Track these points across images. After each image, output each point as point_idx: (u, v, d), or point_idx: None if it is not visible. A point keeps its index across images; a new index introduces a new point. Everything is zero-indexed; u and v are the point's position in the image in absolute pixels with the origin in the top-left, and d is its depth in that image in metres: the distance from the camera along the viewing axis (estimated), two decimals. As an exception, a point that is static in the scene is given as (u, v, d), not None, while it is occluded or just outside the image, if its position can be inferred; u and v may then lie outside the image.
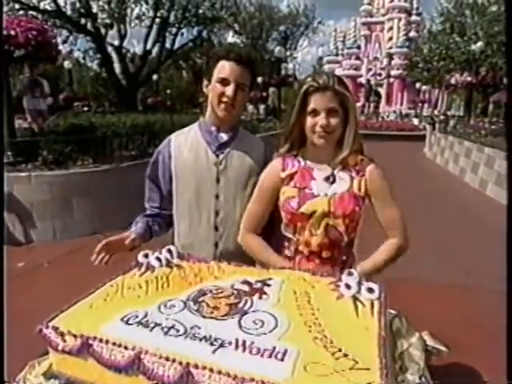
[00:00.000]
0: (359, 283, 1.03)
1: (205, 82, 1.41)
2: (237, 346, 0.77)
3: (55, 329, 0.83)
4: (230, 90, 1.33)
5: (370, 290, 1.01)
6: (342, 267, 1.29)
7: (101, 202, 4.95)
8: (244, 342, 0.78)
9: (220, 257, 1.38)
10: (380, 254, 1.32)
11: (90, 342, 0.80)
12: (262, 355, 0.75)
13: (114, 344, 0.78)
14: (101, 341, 0.79)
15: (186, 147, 1.44)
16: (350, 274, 1.07)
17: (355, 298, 0.98)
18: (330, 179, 1.28)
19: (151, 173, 1.53)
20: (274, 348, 0.77)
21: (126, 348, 0.77)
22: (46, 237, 4.65)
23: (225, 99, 1.34)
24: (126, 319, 0.86)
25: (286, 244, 1.34)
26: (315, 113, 1.21)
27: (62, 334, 0.82)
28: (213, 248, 1.45)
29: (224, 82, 1.33)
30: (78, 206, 4.83)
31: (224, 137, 1.43)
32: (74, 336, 0.81)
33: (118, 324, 0.85)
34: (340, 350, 0.77)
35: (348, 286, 1.01)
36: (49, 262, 4.00)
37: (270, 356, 0.75)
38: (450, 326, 2.52)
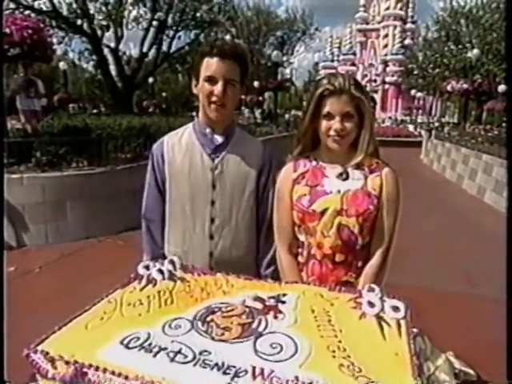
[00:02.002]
0: (382, 300, 0.94)
1: (194, 82, 1.33)
2: (254, 376, 0.68)
3: (45, 354, 0.73)
4: (218, 88, 1.24)
5: (395, 309, 0.92)
6: (357, 274, 1.25)
7: (95, 206, 4.83)
8: (262, 371, 0.69)
9: (215, 267, 1.31)
10: (372, 276, 1.24)
11: (85, 369, 0.70)
12: (284, 387, 0.66)
13: (112, 372, 0.68)
14: (97, 368, 0.69)
15: (181, 151, 1.36)
16: (372, 289, 0.98)
17: (379, 318, 0.89)
18: (343, 175, 1.24)
19: (151, 178, 1.43)
20: (297, 378, 0.68)
21: (126, 377, 0.67)
22: (38, 241, 4.51)
23: (214, 98, 1.26)
24: (126, 342, 0.76)
25: (300, 250, 1.29)
26: (330, 116, 1.18)
27: (52, 360, 0.72)
28: (208, 257, 1.37)
29: (211, 80, 1.25)
30: (71, 210, 4.70)
31: (219, 139, 1.35)
32: (67, 362, 0.71)
33: (118, 348, 0.75)
34: (372, 382, 0.68)
35: (371, 304, 0.92)
36: (40, 267, 3.86)
37: (294, 388, 0.65)
38: (449, 332, 2.45)
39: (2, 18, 4.26)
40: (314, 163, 1.28)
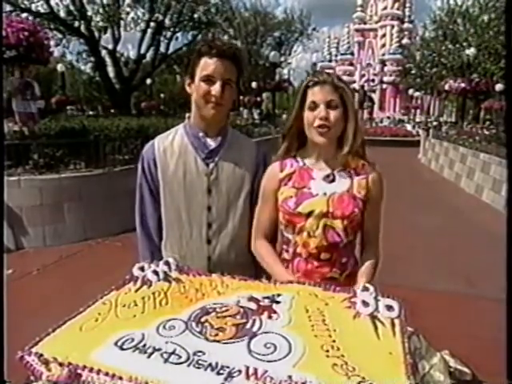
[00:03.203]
0: (376, 299, 0.95)
1: (187, 81, 1.30)
2: (248, 376, 0.68)
3: (39, 356, 0.73)
4: (216, 88, 1.22)
5: (389, 308, 0.92)
6: (341, 270, 1.26)
7: (93, 208, 4.83)
8: (255, 371, 0.69)
9: (214, 270, 1.28)
10: (368, 274, 1.25)
11: (79, 371, 0.70)
12: (277, 387, 0.66)
13: (106, 374, 0.68)
14: (91, 370, 0.69)
15: (174, 155, 1.33)
16: (366, 289, 0.98)
17: (374, 317, 0.89)
18: (330, 177, 1.24)
19: (143, 185, 1.40)
20: (290, 377, 0.68)
21: (120, 378, 0.67)
22: (36, 243, 4.51)
23: (212, 99, 1.24)
24: (120, 343, 0.76)
25: (285, 246, 1.31)
26: (315, 106, 1.18)
27: (46, 362, 0.72)
28: (206, 261, 1.36)
29: (209, 79, 1.23)
30: (69, 212, 4.70)
31: (212, 144, 1.33)
32: (61, 364, 0.71)
33: (112, 349, 0.75)
34: (364, 380, 0.68)
35: (365, 303, 0.92)
36: (38, 270, 3.86)
37: (287, 388, 0.66)
38: (447, 331, 2.45)
39: (1, 19, 4.25)
40: (300, 164, 1.27)
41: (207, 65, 1.22)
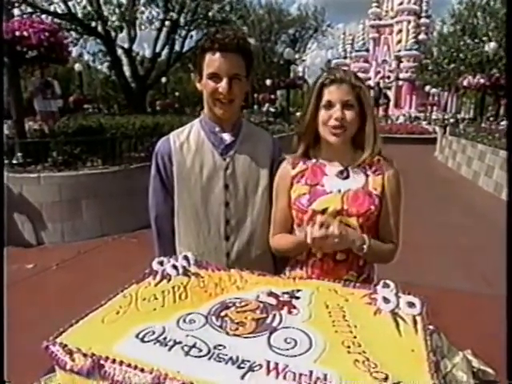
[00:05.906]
0: (397, 296, 0.93)
1: (196, 78, 1.28)
2: (268, 370, 0.68)
3: (63, 346, 0.74)
4: (223, 85, 1.19)
5: (411, 305, 0.90)
6: (359, 273, 1.22)
7: (109, 204, 4.91)
8: (276, 365, 0.69)
9: (232, 267, 1.25)
10: (385, 246, 1.22)
11: (102, 362, 0.70)
12: (298, 382, 0.65)
13: (128, 365, 0.69)
14: (114, 361, 0.70)
15: (190, 151, 1.31)
16: (386, 285, 0.97)
17: (395, 314, 0.88)
18: (344, 174, 1.21)
19: (156, 183, 1.37)
20: (311, 373, 0.67)
21: (142, 370, 0.68)
22: (55, 239, 4.62)
23: (219, 96, 1.21)
24: (141, 336, 0.77)
25: None
26: (330, 105, 1.15)
27: (70, 352, 0.73)
28: (224, 258, 1.34)
29: (215, 76, 1.19)
30: (86, 208, 4.79)
31: (228, 138, 1.31)
32: (84, 355, 0.72)
33: (133, 342, 0.76)
34: (387, 377, 0.67)
35: (386, 300, 0.91)
36: (57, 265, 3.95)
37: (309, 382, 0.65)
38: (463, 330, 2.41)
39: (1, 19, 4.33)
40: (313, 161, 1.25)
41: (211, 61, 1.19)
